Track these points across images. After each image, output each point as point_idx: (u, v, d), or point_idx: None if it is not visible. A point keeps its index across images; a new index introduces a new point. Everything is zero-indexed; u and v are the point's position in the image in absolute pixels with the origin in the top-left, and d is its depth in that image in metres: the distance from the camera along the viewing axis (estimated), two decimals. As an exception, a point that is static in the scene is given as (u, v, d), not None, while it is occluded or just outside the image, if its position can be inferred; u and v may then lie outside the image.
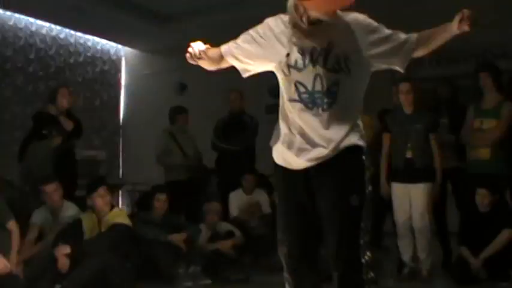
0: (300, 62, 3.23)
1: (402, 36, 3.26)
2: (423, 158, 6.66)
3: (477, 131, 6.75)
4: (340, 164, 3.18)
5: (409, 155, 6.67)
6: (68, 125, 7.59)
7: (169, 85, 12.24)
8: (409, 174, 6.64)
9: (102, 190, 6.34)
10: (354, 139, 3.23)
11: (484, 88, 6.83)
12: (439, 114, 7.13)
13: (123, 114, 13.09)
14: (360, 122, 3.32)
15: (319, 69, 3.19)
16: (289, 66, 3.27)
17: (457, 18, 3.05)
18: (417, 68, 10.84)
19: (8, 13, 10.99)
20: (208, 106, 10.04)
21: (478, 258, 6.28)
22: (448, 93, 7.51)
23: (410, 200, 6.67)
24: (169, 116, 8.94)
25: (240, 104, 8.65)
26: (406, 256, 6.76)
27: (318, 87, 3.19)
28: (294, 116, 3.29)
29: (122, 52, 13.41)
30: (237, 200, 8.31)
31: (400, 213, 6.75)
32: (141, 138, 11.63)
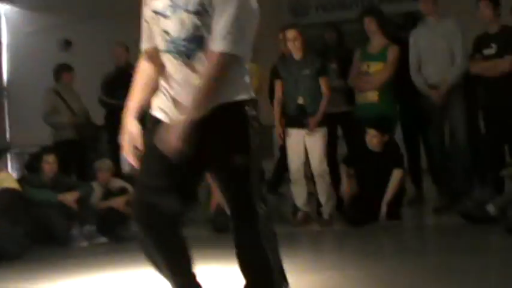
0: (164, 9, 2.95)
1: None
2: (314, 103, 6.73)
3: (364, 75, 6.85)
4: (218, 122, 2.92)
5: (300, 101, 6.74)
6: None
7: (54, 42, 11.90)
8: (301, 120, 6.71)
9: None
10: (231, 93, 2.97)
11: (369, 32, 6.92)
12: (327, 59, 7.19)
13: (7, 75, 12.65)
14: (241, 71, 3.04)
15: (182, 14, 2.90)
16: (155, 12, 2.99)
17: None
18: (303, 14, 10.95)
19: None
20: (95, 62, 9.81)
21: (373, 202, 6.41)
22: (335, 38, 7.59)
23: (305, 145, 6.75)
24: (54, 74, 8.70)
25: (126, 58, 8.48)
26: (299, 201, 6.85)
27: (182, 33, 2.93)
28: (166, 67, 3.03)
29: (1, 10, 12.90)
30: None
31: (293, 159, 6.82)
32: (26, 98, 11.27)
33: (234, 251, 3.05)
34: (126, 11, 11.49)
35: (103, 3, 11.19)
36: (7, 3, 12.57)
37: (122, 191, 7.21)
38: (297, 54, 6.86)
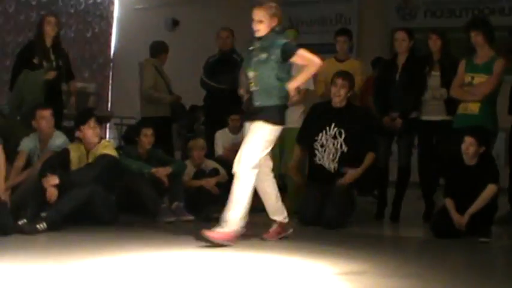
0: None
1: None
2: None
3: (468, 86, 6.78)
4: None
5: None
6: (57, 58, 7.60)
7: (162, 21, 12.19)
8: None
9: (92, 122, 6.37)
10: None
11: (476, 45, 6.83)
12: (430, 65, 7.17)
13: (114, 48, 13.03)
14: None
15: None
16: None
17: None
18: (411, 18, 10.88)
19: None
20: (200, 43, 10.02)
21: (463, 215, 6.09)
22: (439, 45, 7.54)
23: None
24: (153, 50, 8.88)
25: (230, 43, 8.62)
26: None
27: None
28: None
29: (115, -14, 13.30)
30: (222, 139, 8.34)
31: None
32: (130, 72, 11.58)
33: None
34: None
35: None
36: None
37: (214, 172, 7.37)
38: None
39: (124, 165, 6.74)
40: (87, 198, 5.93)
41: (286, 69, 5.59)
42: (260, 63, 5.53)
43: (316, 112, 6.97)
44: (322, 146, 6.71)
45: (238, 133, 8.36)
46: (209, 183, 7.21)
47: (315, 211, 6.57)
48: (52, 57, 7.57)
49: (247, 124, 5.68)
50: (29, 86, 7.43)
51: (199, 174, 7.37)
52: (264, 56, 5.51)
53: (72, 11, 12.12)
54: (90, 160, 6.30)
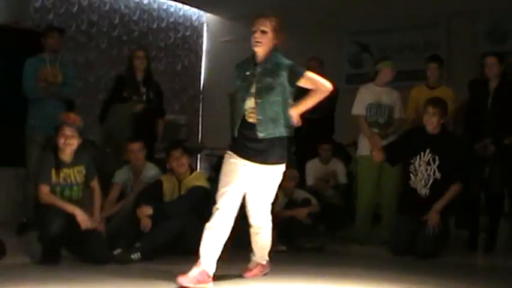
0: None
1: None
2: None
3: None
4: None
5: None
6: (148, 91, 7.73)
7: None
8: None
9: (176, 153, 6.45)
10: None
11: None
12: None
13: (204, 80, 13.21)
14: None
15: None
16: None
17: None
18: (501, 41, 10.65)
19: (95, -21, 11.19)
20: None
21: None
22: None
23: None
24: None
25: (320, 72, 8.59)
26: None
27: None
28: None
29: (204, 18, 13.50)
30: (313, 168, 8.34)
31: None
32: (220, 104, 11.72)
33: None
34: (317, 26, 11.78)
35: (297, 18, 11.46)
36: (210, 12, 13.14)
37: (305, 202, 7.34)
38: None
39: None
40: (180, 229, 5.99)
41: (293, 95, 4.99)
42: (264, 89, 4.85)
43: (412, 136, 6.89)
44: (415, 170, 6.62)
45: (329, 163, 8.36)
46: (301, 213, 7.19)
47: (407, 240, 6.47)
48: (143, 90, 7.71)
49: (242, 162, 4.96)
50: (118, 118, 7.59)
51: (291, 204, 7.35)
52: (269, 80, 4.85)
53: (162, 45, 12.37)
54: (182, 191, 6.38)
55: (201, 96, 13.15)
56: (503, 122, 6.80)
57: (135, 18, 11.95)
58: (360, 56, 12.02)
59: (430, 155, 6.58)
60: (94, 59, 11.18)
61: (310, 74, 4.96)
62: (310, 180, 8.28)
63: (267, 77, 4.84)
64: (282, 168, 5.08)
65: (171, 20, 12.72)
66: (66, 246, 5.74)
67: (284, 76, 4.85)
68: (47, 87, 7.38)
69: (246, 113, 4.91)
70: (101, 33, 11.33)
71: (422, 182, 6.57)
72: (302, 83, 4.92)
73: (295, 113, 4.96)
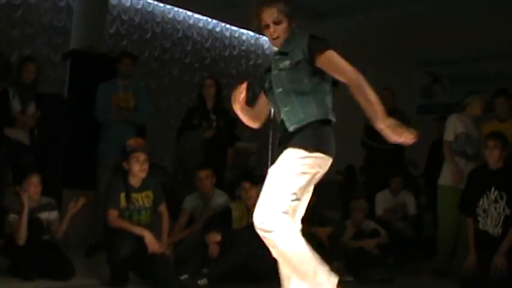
0: None
1: None
2: None
3: None
4: None
5: None
6: (218, 118, 7.76)
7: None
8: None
9: (246, 185, 6.45)
10: None
11: None
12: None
13: (273, 108, 13.23)
14: None
15: None
16: None
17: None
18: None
19: (168, 6, 11.37)
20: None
21: None
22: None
23: None
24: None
25: (392, 102, 8.55)
26: None
27: None
28: None
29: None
30: (383, 200, 8.25)
31: None
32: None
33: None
34: (389, 57, 11.71)
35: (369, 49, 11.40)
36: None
37: (374, 233, 7.26)
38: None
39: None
40: (248, 257, 5.96)
41: (321, 74, 3.80)
42: (283, 75, 3.86)
43: (475, 177, 6.72)
44: (484, 211, 6.42)
45: (399, 194, 8.26)
46: (369, 244, 7.10)
47: (478, 275, 6.29)
48: (213, 117, 7.74)
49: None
50: (188, 145, 7.64)
51: (360, 234, 7.27)
52: (286, 63, 3.85)
53: (233, 72, 12.49)
54: (251, 219, 6.34)
55: (271, 124, 13.16)
56: None
57: (207, 45, 12.10)
58: (431, 87, 11.91)
59: (496, 192, 6.39)
60: (166, 85, 11.34)
61: (332, 54, 3.75)
62: (379, 211, 8.19)
63: (284, 61, 3.86)
64: (301, 153, 3.71)
65: (243, 48, 12.85)
66: (134, 270, 5.76)
67: (303, 52, 3.80)
68: (120, 112, 7.48)
69: (277, 116, 4.00)
70: (174, 60, 11.51)
71: (494, 221, 6.38)
72: (320, 61, 3.75)
73: (386, 124, 3.61)
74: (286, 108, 3.85)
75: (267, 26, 3.98)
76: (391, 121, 3.60)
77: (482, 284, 6.20)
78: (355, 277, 6.69)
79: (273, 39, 4.00)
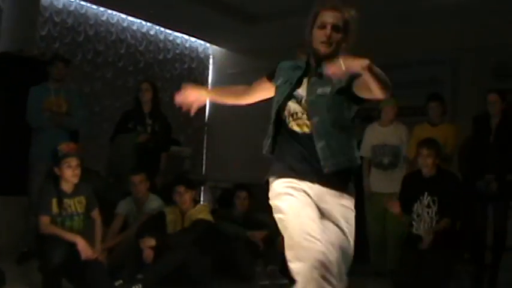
0: None
1: None
2: None
3: None
4: None
5: None
6: (153, 123, 7.70)
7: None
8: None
9: (180, 189, 6.44)
10: None
11: None
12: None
13: (209, 112, 13.21)
14: None
15: None
16: None
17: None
18: (507, 78, 10.64)
19: (101, 9, 11.23)
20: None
21: None
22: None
23: None
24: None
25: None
26: None
27: None
28: None
29: (210, 50, 13.55)
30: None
31: None
32: (224, 136, 11.73)
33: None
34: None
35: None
36: (216, 45, 13.19)
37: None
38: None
39: (219, 229, 6.75)
40: (182, 261, 5.94)
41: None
42: (320, 97, 3.52)
43: (409, 182, 6.85)
44: (418, 216, 6.56)
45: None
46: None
47: (410, 276, 6.40)
48: (148, 121, 7.67)
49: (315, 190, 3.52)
50: (121, 149, 7.58)
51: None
52: (327, 89, 3.52)
53: (168, 76, 12.40)
54: (185, 223, 6.35)
55: (205, 128, 13.14)
56: (505, 158, 6.78)
57: (141, 48, 11.98)
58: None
59: (428, 197, 6.53)
60: (99, 89, 11.20)
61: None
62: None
63: (323, 85, 3.54)
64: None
65: (177, 51, 12.77)
66: (67, 277, 5.67)
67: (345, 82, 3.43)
68: (51, 116, 7.36)
69: (290, 121, 3.64)
70: (107, 63, 11.36)
71: (426, 225, 6.50)
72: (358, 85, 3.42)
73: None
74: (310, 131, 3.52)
75: (324, 26, 3.57)
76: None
77: (413, 284, 6.31)
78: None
79: (326, 40, 3.55)
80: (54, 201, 5.73)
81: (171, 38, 12.66)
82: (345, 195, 3.53)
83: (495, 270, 6.93)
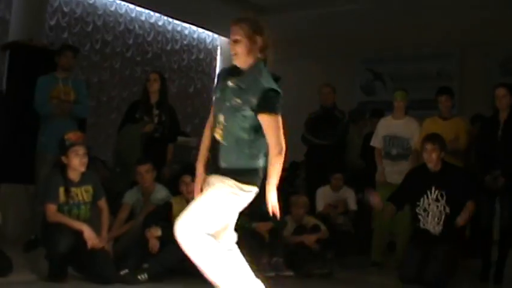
0: None
1: None
2: None
3: None
4: None
5: None
6: (160, 113, 7.71)
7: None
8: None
9: (187, 179, 6.44)
10: None
11: None
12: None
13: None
14: None
15: None
16: None
17: None
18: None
19: (110, -1, 11.27)
20: (301, 99, 10.05)
21: None
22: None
23: None
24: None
25: (332, 98, 8.63)
26: None
27: None
28: None
29: (218, 41, 13.57)
30: (324, 196, 8.32)
31: None
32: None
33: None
34: (331, 54, 11.81)
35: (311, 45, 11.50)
36: (223, 36, 13.20)
37: (314, 229, 7.31)
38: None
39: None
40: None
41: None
42: (231, 109, 3.94)
43: (415, 176, 6.84)
44: (425, 210, 6.57)
45: (340, 190, 8.35)
46: (309, 239, 7.16)
47: (416, 269, 6.42)
48: (155, 112, 7.68)
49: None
50: (128, 139, 7.59)
51: (300, 230, 7.31)
52: (238, 101, 3.89)
53: (175, 66, 12.43)
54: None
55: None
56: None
57: (149, 39, 12.02)
58: (372, 84, 12.06)
59: (436, 191, 6.54)
60: (107, 79, 11.23)
61: (276, 119, 3.90)
62: (319, 207, 8.25)
63: (237, 97, 3.90)
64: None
65: (185, 42, 12.79)
66: (73, 265, 5.71)
67: (254, 100, 3.85)
68: (60, 105, 7.38)
69: (217, 128, 4.10)
70: (115, 53, 11.39)
71: (435, 219, 6.52)
72: (262, 119, 3.89)
73: (270, 194, 4.05)
74: (223, 142, 4.09)
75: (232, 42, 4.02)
76: (273, 192, 4.03)
77: (420, 279, 6.33)
78: (295, 272, 6.75)
79: (231, 56, 4.06)
80: (62, 189, 5.75)
81: (179, 28, 12.68)
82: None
83: (501, 266, 6.92)
